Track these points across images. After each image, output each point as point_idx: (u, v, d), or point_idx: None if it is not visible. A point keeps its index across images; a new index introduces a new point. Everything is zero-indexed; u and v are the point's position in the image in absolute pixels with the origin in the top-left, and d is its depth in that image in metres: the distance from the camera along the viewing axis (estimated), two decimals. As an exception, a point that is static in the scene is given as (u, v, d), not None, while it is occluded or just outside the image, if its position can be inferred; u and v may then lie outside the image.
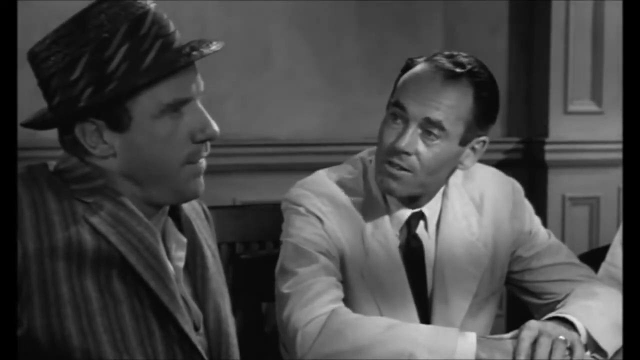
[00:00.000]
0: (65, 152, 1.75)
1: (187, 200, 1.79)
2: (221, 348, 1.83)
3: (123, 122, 1.68)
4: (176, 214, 1.84)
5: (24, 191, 1.67)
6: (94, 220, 1.68)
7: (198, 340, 1.77)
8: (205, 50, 1.67)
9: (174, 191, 1.73)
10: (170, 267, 1.76)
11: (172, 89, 1.68)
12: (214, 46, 1.68)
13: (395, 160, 2.21)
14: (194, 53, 1.66)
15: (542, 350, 2.09)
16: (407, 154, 2.20)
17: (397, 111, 2.22)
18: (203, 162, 1.75)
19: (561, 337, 2.12)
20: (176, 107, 1.69)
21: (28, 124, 1.74)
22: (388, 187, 2.23)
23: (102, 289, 1.67)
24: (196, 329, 1.79)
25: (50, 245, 1.64)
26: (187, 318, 1.75)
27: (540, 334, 2.11)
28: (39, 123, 1.73)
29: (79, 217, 1.68)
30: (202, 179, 1.75)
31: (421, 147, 2.20)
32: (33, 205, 1.66)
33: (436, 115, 2.19)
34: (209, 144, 1.75)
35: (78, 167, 1.72)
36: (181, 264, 1.81)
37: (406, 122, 2.20)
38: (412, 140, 2.19)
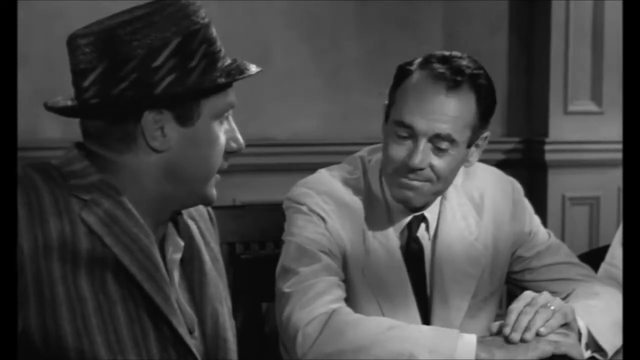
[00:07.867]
0: (97, 146, 1.72)
1: (205, 205, 1.84)
2: (218, 353, 1.82)
3: (193, 117, 1.72)
4: (175, 218, 1.84)
5: (19, 191, 1.66)
6: (90, 219, 1.67)
7: (193, 343, 1.76)
8: (254, 69, 1.80)
9: (201, 196, 1.77)
10: (164, 269, 1.75)
11: (231, 93, 1.78)
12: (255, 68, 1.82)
13: (411, 176, 2.21)
14: (253, 67, 1.80)
15: (524, 318, 2.08)
16: (422, 169, 2.20)
17: (403, 130, 2.20)
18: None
19: (549, 305, 2.11)
20: (227, 111, 1.78)
21: (67, 111, 1.72)
22: (405, 197, 2.23)
23: (96, 289, 1.67)
24: (190, 332, 1.78)
25: (45, 245, 1.64)
26: (182, 320, 1.75)
27: (528, 304, 2.10)
28: (88, 107, 1.70)
29: (75, 217, 1.67)
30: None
31: (434, 160, 2.20)
32: (28, 205, 1.65)
33: (445, 129, 2.17)
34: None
35: (76, 160, 1.71)
36: (176, 267, 1.80)
37: (415, 138, 2.19)
38: (424, 156, 2.18)
